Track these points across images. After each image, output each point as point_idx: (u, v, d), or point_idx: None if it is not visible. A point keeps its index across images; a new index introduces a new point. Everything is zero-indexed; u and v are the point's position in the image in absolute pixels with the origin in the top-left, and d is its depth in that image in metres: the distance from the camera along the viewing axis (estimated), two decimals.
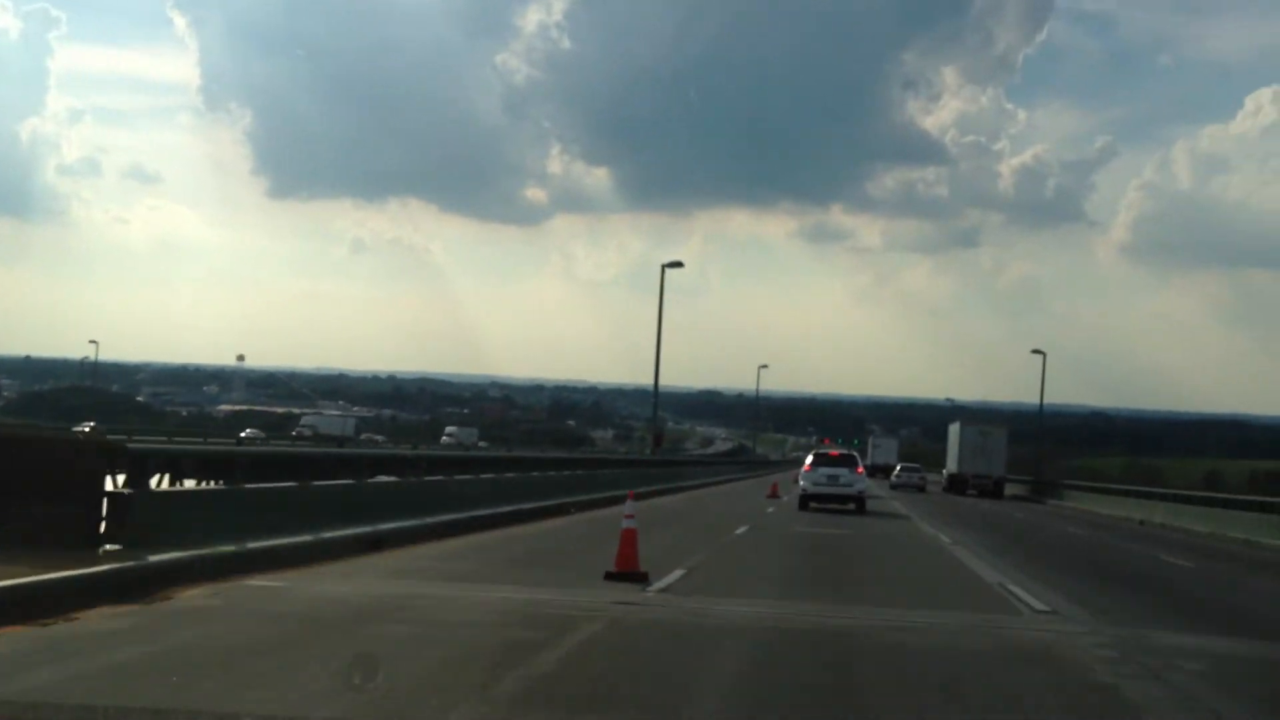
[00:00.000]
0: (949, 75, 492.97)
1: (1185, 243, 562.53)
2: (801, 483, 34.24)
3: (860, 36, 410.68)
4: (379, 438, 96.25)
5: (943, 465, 68.93)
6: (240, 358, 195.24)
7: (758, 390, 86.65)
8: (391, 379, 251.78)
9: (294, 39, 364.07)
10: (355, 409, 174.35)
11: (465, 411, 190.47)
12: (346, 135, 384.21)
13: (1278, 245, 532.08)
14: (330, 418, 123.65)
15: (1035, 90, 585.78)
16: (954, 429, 66.32)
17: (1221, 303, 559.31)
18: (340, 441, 60.61)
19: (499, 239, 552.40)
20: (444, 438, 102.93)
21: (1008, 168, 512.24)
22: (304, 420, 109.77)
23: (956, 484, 61.74)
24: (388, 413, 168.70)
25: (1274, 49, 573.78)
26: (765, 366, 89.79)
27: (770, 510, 31.97)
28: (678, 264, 49.46)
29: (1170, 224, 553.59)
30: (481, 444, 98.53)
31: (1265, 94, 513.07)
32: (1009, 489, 61.78)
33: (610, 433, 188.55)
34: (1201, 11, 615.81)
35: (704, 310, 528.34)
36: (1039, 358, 67.99)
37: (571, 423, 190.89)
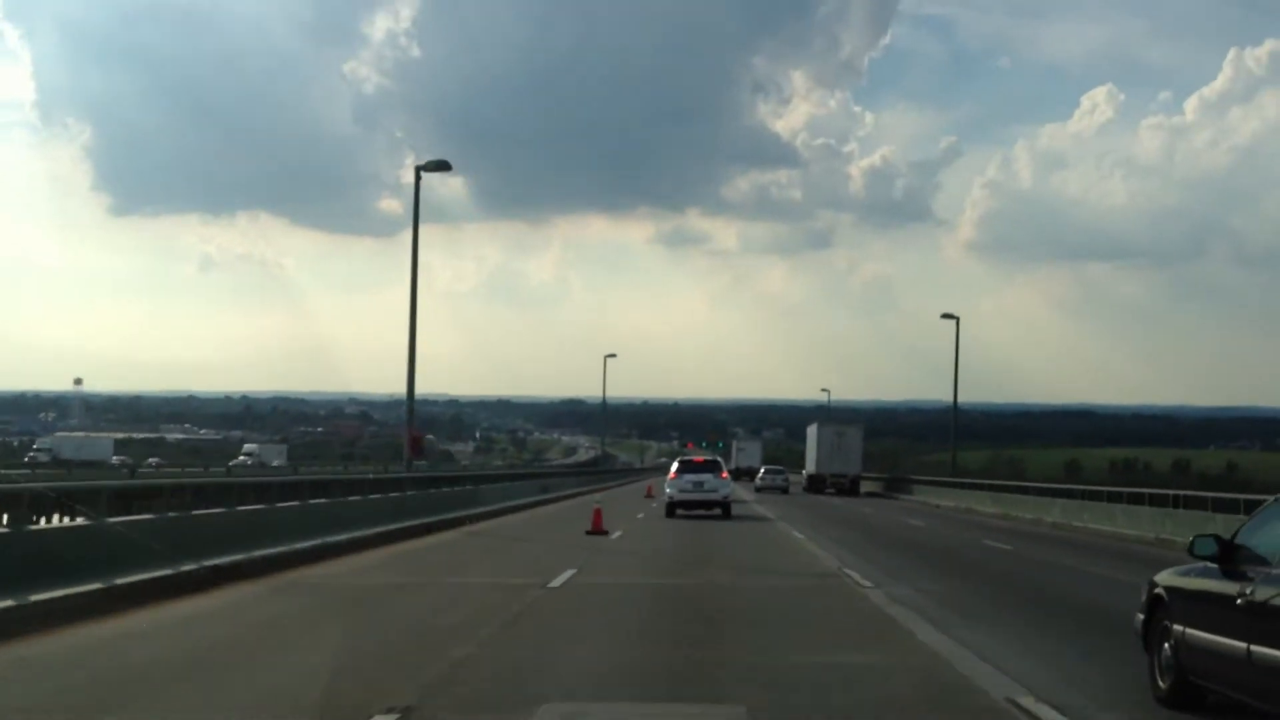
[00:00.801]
0: (798, 79, 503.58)
1: (1028, 239, 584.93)
2: (667, 490, 34.59)
3: (710, 41, 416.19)
4: (153, 461, 79.09)
5: (804, 465, 70.27)
6: (78, 381, 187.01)
7: (605, 389, 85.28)
8: (245, 399, 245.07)
9: (133, 50, 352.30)
10: (201, 431, 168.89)
11: (319, 430, 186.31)
12: (191, 148, 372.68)
13: (1114, 239, 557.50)
14: (77, 439, 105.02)
15: (881, 93, 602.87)
16: (812, 430, 68.04)
17: (1063, 296, 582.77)
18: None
19: (353, 252, 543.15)
20: (241, 456, 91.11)
21: (857, 169, 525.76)
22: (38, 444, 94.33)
23: (815, 483, 63.65)
24: (236, 434, 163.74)
25: (1106, 50, 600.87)
26: (613, 356, 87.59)
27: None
28: (443, 165, 32.26)
29: (1013, 221, 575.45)
30: (276, 464, 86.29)
31: (1100, 93, 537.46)
32: (865, 486, 63.53)
33: (471, 445, 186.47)
34: (1037, 15, 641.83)
35: (565, 318, 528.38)
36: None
37: (431, 437, 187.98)
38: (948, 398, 57.99)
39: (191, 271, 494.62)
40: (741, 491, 50.02)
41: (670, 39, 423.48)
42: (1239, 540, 7.47)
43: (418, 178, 31.09)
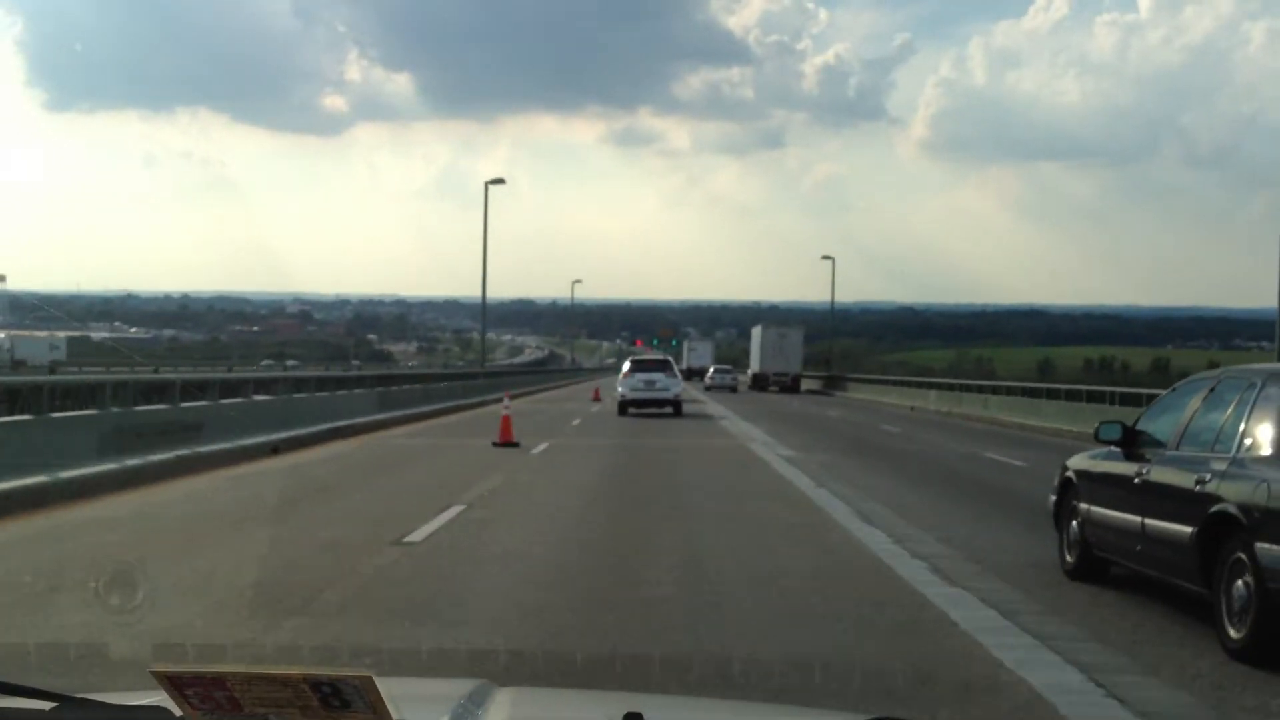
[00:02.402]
0: None
1: (981, 137, 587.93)
2: (619, 389, 35.76)
3: None
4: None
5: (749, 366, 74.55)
6: (0, 278, 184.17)
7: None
8: (185, 298, 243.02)
9: None
10: (132, 330, 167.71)
11: (255, 329, 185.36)
12: (128, 42, 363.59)
13: (1067, 138, 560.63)
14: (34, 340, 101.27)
15: None
16: (756, 331, 72.52)
17: (1015, 196, 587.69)
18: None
19: (297, 150, 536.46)
20: None
21: (810, 67, 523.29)
22: None
23: (759, 382, 68.08)
24: (168, 333, 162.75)
25: None
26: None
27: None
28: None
29: (966, 119, 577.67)
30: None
31: None
32: (805, 384, 68.33)
33: (413, 345, 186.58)
34: None
35: (514, 218, 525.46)
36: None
37: (373, 337, 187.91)
38: (901, 299, 60.47)
39: (133, 168, 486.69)
40: (692, 390, 51.40)
41: None
42: (1140, 426, 8.36)
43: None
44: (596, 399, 44.19)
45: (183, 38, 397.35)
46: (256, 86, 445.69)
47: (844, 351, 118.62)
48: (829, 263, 75.25)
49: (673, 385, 35.21)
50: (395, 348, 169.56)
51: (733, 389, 64.30)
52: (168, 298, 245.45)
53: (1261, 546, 6.39)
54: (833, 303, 78.44)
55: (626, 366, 36.84)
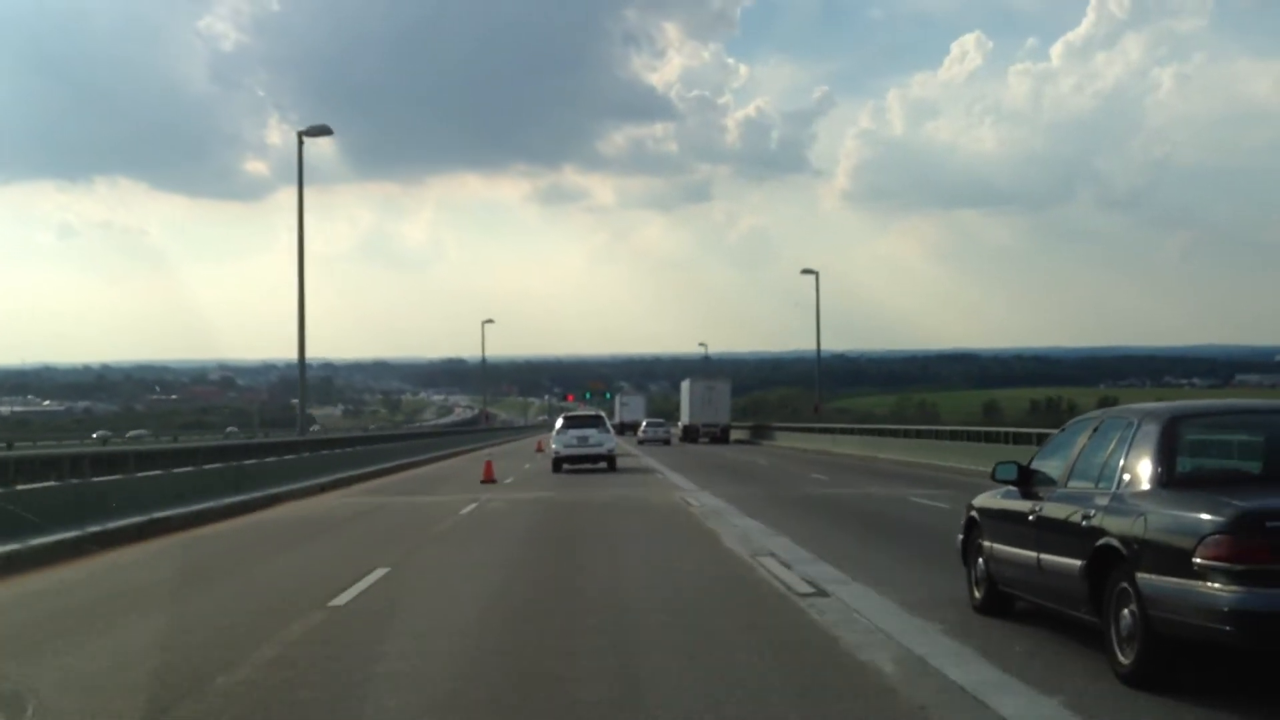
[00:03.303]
0: (670, 30, 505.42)
1: (901, 187, 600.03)
2: (553, 445, 36.17)
3: None
4: None
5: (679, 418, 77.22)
6: None
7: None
8: (104, 369, 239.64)
9: None
10: (45, 403, 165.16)
11: (173, 397, 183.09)
12: (41, 112, 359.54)
13: (984, 185, 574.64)
14: None
15: (755, 44, 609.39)
16: (685, 385, 75.80)
17: (937, 243, 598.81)
18: None
19: (219, 216, 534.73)
20: None
21: (733, 121, 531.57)
22: None
23: (690, 433, 70.87)
24: (81, 405, 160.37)
25: None
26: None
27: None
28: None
29: (886, 170, 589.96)
30: None
31: (969, 39, 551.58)
32: (734, 434, 71.26)
33: (339, 409, 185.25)
34: None
35: (442, 278, 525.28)
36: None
37: (295, 401, 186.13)
38: (830, 347, 61.23)
39: (49, 240, 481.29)
40: (626, 445, 51.96)
41: None
42: (1034, 465, 8.92)
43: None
44: (540, 450, 45.34)
45: (99, 106, 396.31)
46: (175, 153, 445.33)
47: (782, 399, 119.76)
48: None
49: (606, 441, 35.76)
50: (320, 411, 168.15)
51: (666, 442, 65.60)
52: (86, 369, 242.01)
53: (1143, 576, 6.91)
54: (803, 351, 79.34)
55: (559, 423, 37.23)
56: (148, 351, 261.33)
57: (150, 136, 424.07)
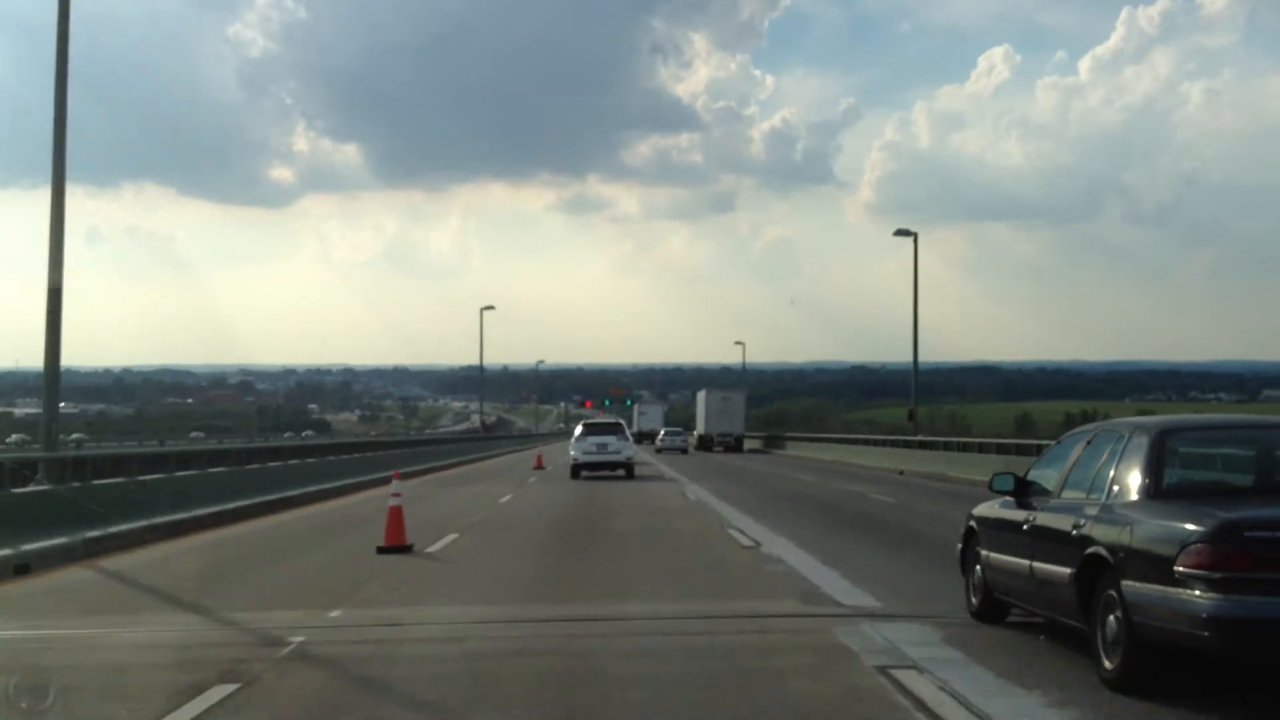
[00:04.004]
0: (698, 42, 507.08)
1: (926, 199, 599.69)
2: (572, 452, 36.52)
3: (609, 3, 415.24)
4: None
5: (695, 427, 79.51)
6: None
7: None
8: (125, 372, 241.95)
9: (3, 15, 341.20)
10: (61, 405, 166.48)
11: (189, 401, 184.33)
12: (71, 118, 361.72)
13: (1011, 198, 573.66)
14: None
15: (782, 56, 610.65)
16: (701, 395, 78.64)
17: (961, 256, 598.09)
18: None
19: (245, 222, 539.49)
20: None
21: (758, 132, 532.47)
22: None
23: (705, 443, 73.20)
24: (95, 408, 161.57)
25: (1003, 12, 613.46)
26: (490, 308, 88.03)
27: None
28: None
29: (912, 182, 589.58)
30: None
31: (996, 53, 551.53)
32: (748, 444, 73.85)
33: (356, 414, 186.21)
34: None
35: (466, 286, 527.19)
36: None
37: (314, 406, 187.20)
38: (853, 358, 61.64)
39: (78, 245, 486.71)
40: (643, 454, 52.57)
41: (568, 1, 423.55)
42: (1030, 476, 9.24)
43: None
44: (540, 466, 42.20)
45: (128, 113, 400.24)
46: (203, 160, 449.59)
47: (806, 411, 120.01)
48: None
49: (625, 448, 36.10)
50: (337, 417, 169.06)
51: (683, 450, 67.23)
52: (107, 372, 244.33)
53: (1128, 584, 7.22)
54: (746, 364, 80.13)
55: (579, 430, 37.66)
56: (170, 355, 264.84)
57: (178, 143, 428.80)
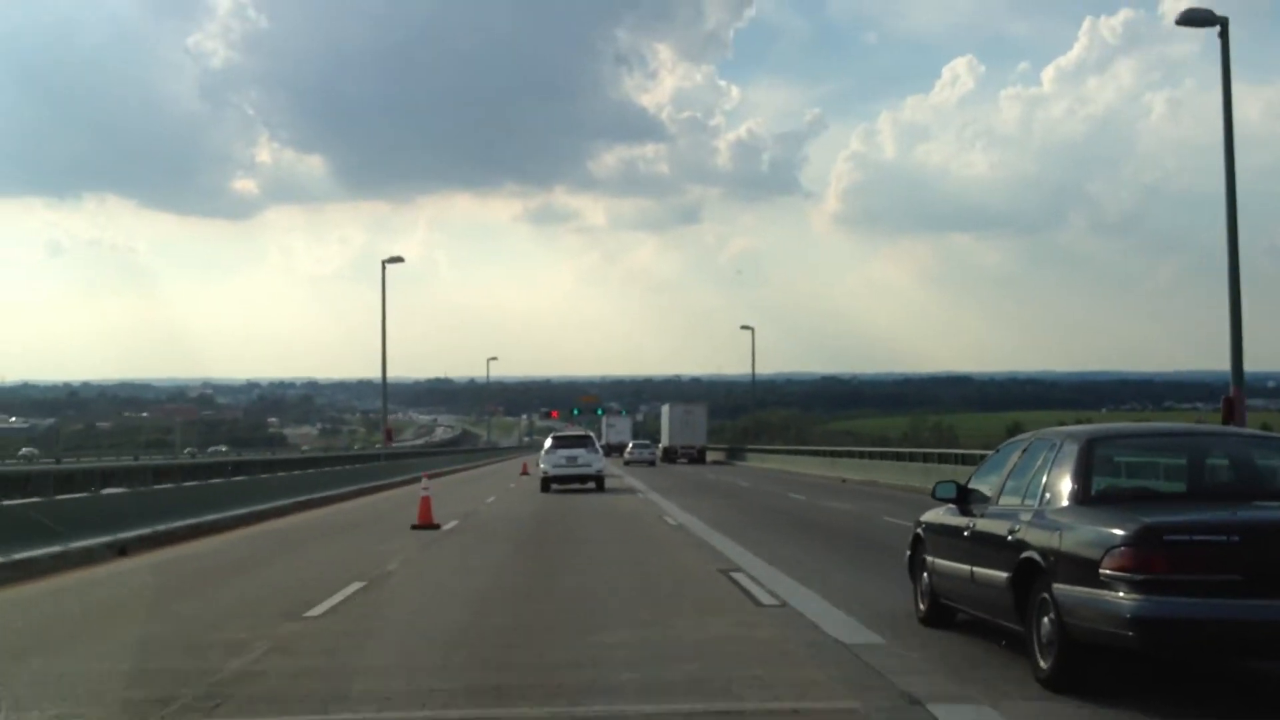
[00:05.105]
0: (663, 52, 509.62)
1: (893, 210, 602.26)
2: (541, 465, 37.02)
3: (573, 13, 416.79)
4: None
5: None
6: None
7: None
8: (84, 386, 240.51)
9: None
10: (12, 419, 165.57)
11: (144, 415, 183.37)
12: (28, 128, 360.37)
13: (975, 209, 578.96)
14: None
15: (747, 67, 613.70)
16: (665, 409, 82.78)
17: (928, 266, 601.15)
18: None
19: (207, 235, 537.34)
20: None
21: (724, 143, 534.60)
22: None
23: (669, 454, 76.61)
24: (48, 422, 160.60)
25: (967, 23, 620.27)
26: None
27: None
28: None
29: (878, 193, 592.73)
30: None
31: (960, 63, 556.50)
32: (710, 456, 77.58)
33: (316, 428, 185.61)
34: None
35: (431, 298, 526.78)
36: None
37: (273, 420, 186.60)
38: (823, 369, 62.66)
39: (39, 258, 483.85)
40: (612, 466, 53.23)
41: (532, 10, 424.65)
42: (971, 484, 9.76)
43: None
44: (525, 472, 44.68)
45: (88, 124, 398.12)
46: (165, 171, 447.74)
47: (783, 422, 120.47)
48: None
49: (595, 461, 36.55)
50: (297, 431, 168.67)
51: (651, 463, 68.76)
52: (65, 386, 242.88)
53: (1059, 587, 7.72)
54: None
55: (548, 443, 38.03)
56: (131, 369, 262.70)
57: (139, 154, 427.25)
